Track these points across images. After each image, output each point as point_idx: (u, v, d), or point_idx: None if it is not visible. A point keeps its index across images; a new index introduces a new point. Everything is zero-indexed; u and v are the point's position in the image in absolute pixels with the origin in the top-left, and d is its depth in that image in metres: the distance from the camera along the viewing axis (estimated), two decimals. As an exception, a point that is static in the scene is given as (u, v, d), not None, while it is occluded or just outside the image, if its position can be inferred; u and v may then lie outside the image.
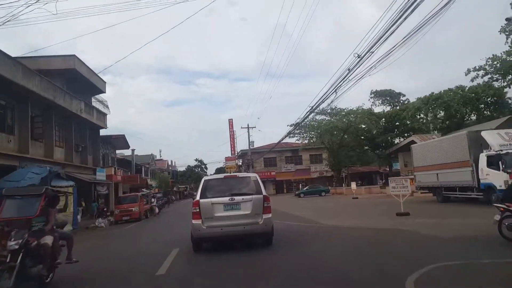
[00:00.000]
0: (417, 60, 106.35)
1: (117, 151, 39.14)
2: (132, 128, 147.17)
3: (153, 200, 24.73)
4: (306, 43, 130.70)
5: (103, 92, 30.26)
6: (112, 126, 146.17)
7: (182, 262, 7.33)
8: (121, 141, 35.39)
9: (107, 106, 30.62)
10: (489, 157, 14.80)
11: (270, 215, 7.95)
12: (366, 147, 46.74)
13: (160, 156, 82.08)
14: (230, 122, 60.88)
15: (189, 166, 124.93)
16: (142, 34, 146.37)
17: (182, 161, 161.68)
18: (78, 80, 25.82)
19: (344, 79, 15.03)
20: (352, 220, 13.33)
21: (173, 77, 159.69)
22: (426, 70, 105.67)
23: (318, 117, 43.07)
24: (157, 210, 25.88)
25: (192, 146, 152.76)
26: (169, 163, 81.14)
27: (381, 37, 11.17)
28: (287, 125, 45.25)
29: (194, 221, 7.73)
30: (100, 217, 20.52)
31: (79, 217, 23.81)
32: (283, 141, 42.55)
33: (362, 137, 44.89)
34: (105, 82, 30.30)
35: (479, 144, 15.63)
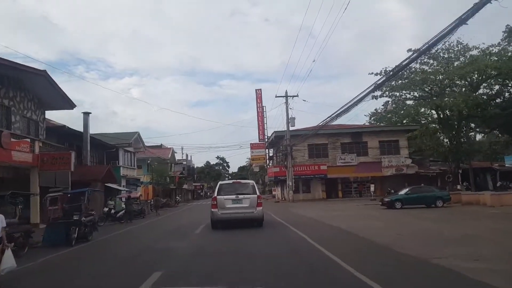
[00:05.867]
0: None
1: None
2: (157, 127, 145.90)
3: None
4: (332, 43, 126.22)
5: None
6: (139, 126, 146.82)
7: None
8: (45, 87, 17.72)
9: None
10: None
11: (261, 208, 12.09)
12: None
13: (182, 154, 67.16)
14: (258, 93, 42.53)
15: (208, 162, 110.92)
16: (167, 35, 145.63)
17: (203, 159, 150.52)
18: None
19: None
20: None
21: (197, 78, 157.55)
22: None
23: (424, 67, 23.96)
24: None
25: (214, 144, 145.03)
26: (177, 155, 63.93)
27: None
28: (369, 74, 26.01)
29: (213, 210, 12.05)
30: None
31: None
32: (338, 120, 23.86)
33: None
34: None
35: None
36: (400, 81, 24.30)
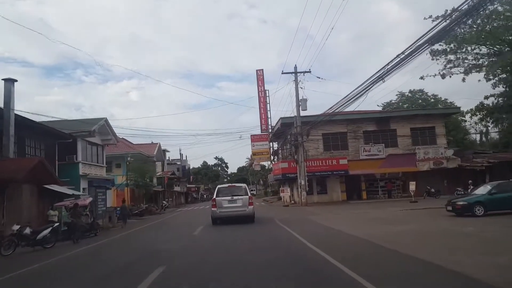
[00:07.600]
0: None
1: None
2: (156, 129, 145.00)
3: None
4: (329, 44, 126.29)
5: None
6: (137, 129, 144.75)
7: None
8: None
9: None
10: None
11: (252, 206, 15.13)
12: None
13: (181, 155, 63.82)
14: (259, 74, 35.28)
15: (205, 162, 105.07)
16: (165, 39, 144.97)
17: (200, 158, 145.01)
18: None
19: None
20: None
21: (195, 81, 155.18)
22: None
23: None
24: None
25: (213, 146, 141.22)
26: (175, 155, 56.75)
27: None
28: (425, 18, 18.96)
29: (213, 209, 15.13)
30: None
31: None
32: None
33: None
34: None
35: None
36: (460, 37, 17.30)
